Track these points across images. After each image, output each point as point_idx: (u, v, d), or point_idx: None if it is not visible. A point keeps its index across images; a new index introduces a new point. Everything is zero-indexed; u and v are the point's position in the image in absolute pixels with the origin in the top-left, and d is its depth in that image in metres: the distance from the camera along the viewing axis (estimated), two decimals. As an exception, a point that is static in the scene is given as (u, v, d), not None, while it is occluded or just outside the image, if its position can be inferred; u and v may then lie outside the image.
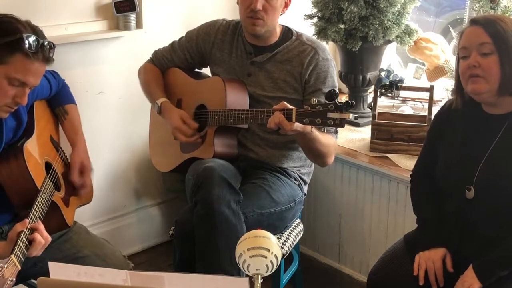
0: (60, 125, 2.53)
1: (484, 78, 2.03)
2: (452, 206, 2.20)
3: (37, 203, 2.05)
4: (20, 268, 1.80)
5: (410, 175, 2.45)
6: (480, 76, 2.03)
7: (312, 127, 2.31)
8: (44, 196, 2.13)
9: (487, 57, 2.02)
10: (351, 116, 2.26)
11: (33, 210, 2.02)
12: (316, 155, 2.58)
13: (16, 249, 1.81)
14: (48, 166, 2.31)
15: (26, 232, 1.90)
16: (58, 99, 2.51)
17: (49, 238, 1.97)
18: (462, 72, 2.09)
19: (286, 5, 2.66)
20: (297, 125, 2.29)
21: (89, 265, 2.20)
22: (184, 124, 2.65)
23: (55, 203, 2.22)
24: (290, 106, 2.31)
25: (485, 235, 2.12)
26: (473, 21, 2.09)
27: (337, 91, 2.32)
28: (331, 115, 2.24)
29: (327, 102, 2.26)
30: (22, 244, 1.86)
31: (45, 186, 2.17)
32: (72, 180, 2.40)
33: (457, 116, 2.21)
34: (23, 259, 1.84)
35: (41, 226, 1.96)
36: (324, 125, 2.27)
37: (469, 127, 2.18)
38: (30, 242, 1.91)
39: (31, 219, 1.98)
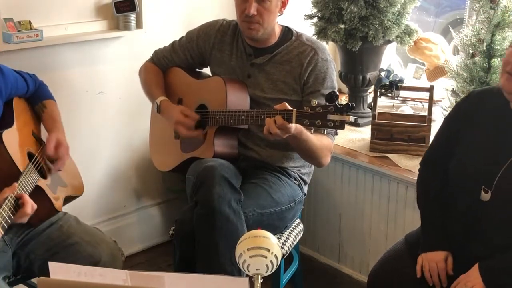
0: (41, 122, 2.55)
1: None
2: (462, 204, 2.12)
3: (20, 182, 2.10)
4: (3, 233, 1.88)
5: (420, 163, 2.35)
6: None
7: (312, 129, 2.32)
8: (27, 177, 2.16)
9: None
10: (351, 118, 2.26)
11: (18, 184, 2.08)
12: (310, 155, 2.58)
13: None
14: (31, 156, 2.33)
15: (11, 199, 1.99)
16: (37, 96, 2.55)
17: (35, 206, 2.07)
18: (504, 62, 2.00)
19: (284, 5, 2.63)
20: (291, 127, 2.30)
21: (78, 251, 2.26)
22: (185, 117, 2.65)
23: (40, 188, 2.24)
24: (290, 108, 2.32)
25: (493, 241, 2.06)
26: None
27: (337, 93, 2.33)
28: (331, 117, 2.24)
29: (327, 104, 2.27)
30: (7, 208, 1.95)
31: (28, 169, 2.21)
32: (46, 154, 2.38)
33: (489, 110, 2.10)
34: (6, 226, 1.92)
35: (27, 196, 2.06)
36: (324, 127, 2.27)
37: (499, 126, 2.08)
38: (16, 209, 2.01)
39: (19, 185, 2.06)
